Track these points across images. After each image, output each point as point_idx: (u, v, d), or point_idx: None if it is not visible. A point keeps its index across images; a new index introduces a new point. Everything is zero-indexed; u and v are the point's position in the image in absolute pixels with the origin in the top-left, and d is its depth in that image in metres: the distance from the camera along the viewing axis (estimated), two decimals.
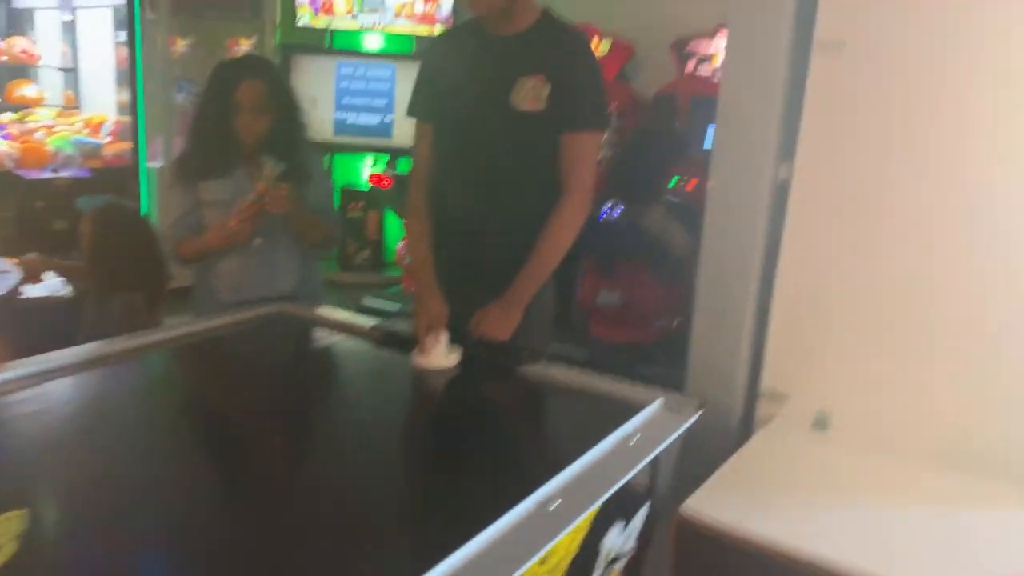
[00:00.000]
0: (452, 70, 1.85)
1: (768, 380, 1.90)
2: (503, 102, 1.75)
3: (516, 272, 1.79)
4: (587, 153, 1.80)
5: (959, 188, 1.61)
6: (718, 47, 4.20)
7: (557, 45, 1.77)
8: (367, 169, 5.39)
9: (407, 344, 1.71)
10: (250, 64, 2.21)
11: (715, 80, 4.20)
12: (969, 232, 1.61)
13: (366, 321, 1.90)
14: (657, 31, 4.48)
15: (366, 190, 5.23)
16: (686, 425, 1.39)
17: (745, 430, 1.92)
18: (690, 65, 4.35)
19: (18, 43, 4.43)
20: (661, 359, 3.35)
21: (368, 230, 5.24)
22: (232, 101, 2.04)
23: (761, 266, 1.91)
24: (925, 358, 1.69)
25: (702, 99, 4.19)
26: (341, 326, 1.91)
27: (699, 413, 1.44)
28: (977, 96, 1.57)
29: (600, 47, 4.55)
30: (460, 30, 1.93)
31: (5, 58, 4.34)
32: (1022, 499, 1.54)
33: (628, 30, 4.58)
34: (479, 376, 1.69)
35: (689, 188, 3.61)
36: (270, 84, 2.09)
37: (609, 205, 3.45)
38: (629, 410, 1.41)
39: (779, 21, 1.79)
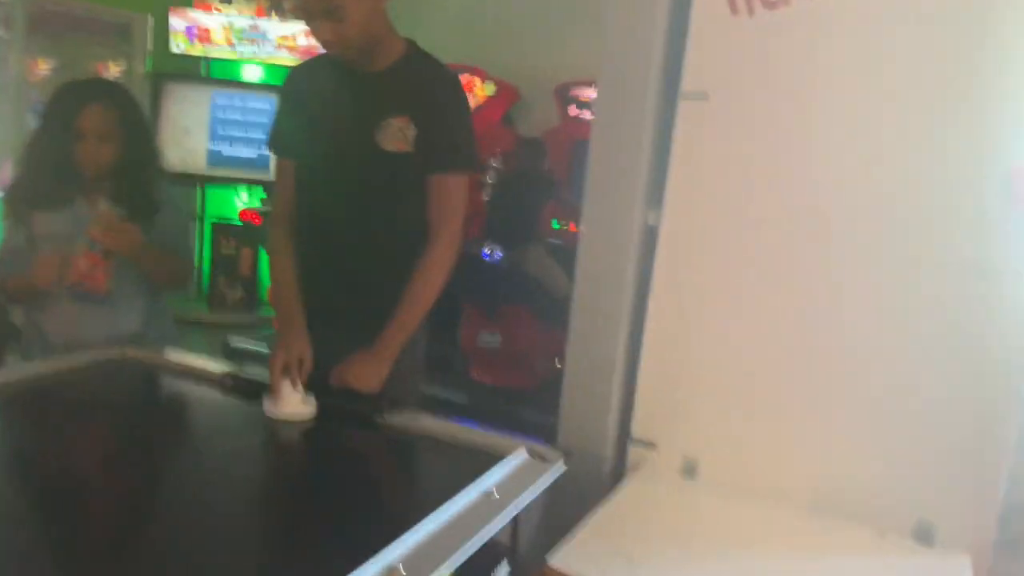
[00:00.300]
0: (312, 104, 1.76)
1: (637, 427, 1.88)
2: (367, 141, 1.68)
3: (383, 317, 1.70)
4: (454, 195, 1.75)
5: (821, 235, 1.66)
6: None
7: (423, 84, 1.71)
8: (240, 204, 5.19)
9: (263, 393, 1.59)
10: (96, 87, 2.03)
11: None
12: (834, 279, 1.65)
13: (218, 367, 1.76)
14: (541, 76, 4.56)
15: (239, 226, 5.02)
16: (550, 477, 1.34)
17: (616, 479, 1.89)
18: (572, 110, 4.43)
19: None
20: (543, 404, 3.33)
21: (240, 267, 5.02)
22: (74, 126, 1.87)
23: (631, 312, 1.90)
24: (790, 405, 1.71)
25: (584, 143, 4.28)
26: (190, 372, 1.76)
27: (564, 465, 1.39)
28: (833, 144, 1.63)
29: (485, 89, 4.58)
30: (320, 61, 1.80)
31: None
32: (882, 542, 1.56)
33: (513, 74, 4.64)
34: (333, 427, 1.58)
35: (572, 229, 3.64)
36: (118, 109, 1.94)
37: (488, 248, 3.43)
38: (491, 461, 1.34)
39: (647, 72, 1.81)
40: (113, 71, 4.99)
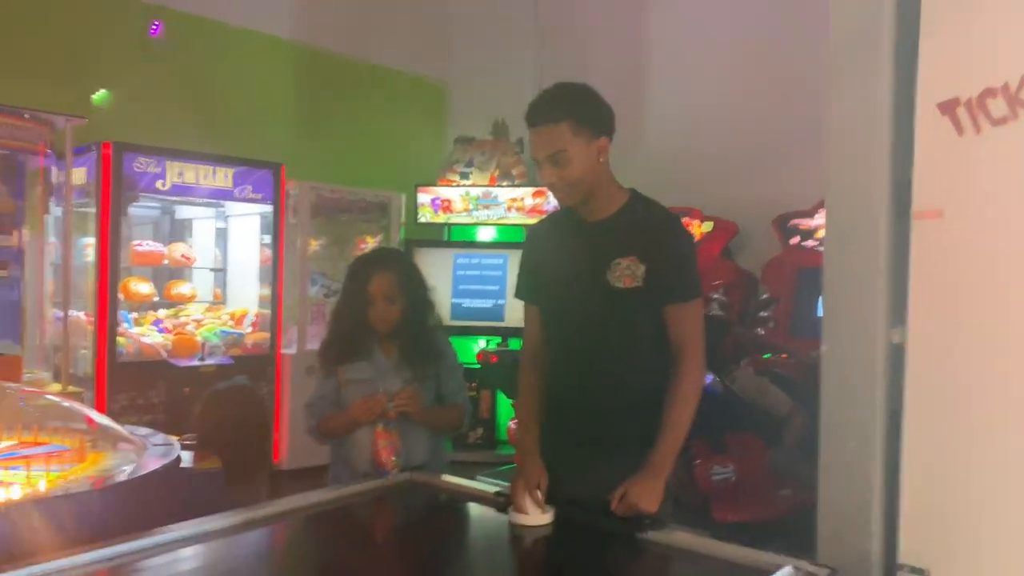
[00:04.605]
0: (550, 254, 1.99)
1: (906, 553, 1.80)
2: (600, 281, 1.86)
3: (627, 442, 1.84)
4: (694, 320, 1.89)
5: None
6: (820, 222, 4.32)
7: (647, 226, 1.89)
8: (477, 349, 5.63)
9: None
10: (380, 257, 2.44)
11: (819, 251, 4.28)
12: None
13: (490, 487, 1.97)
14: (758, 209, 4.66)
15: (478, 369, 5.43)
16: None
17: None
18: (794, 239, 4.46)
19: (178, 248, 5.04)
20: (792, 535, 3.18)
21: (480, 409, 5.38)
22: (366, 293, 2.26)
23: (885, 434, 1.88)
24: None
25: (807, 270, 4.26)
26: (466, 492, 2.00)
27: None
28: None
29: (703, 227, 4.76)
30: (557, 216, 2.06)
31: (166, 261, 4.93)
32: None
33: (730, 210, 4.79)
34: (608, 542, 1.70)
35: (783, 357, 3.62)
36: (399, 274, 2.29)
37: None
38: None
39: (876, 192, 1.88)
40: (370, 243, 5.79)
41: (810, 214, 4.41)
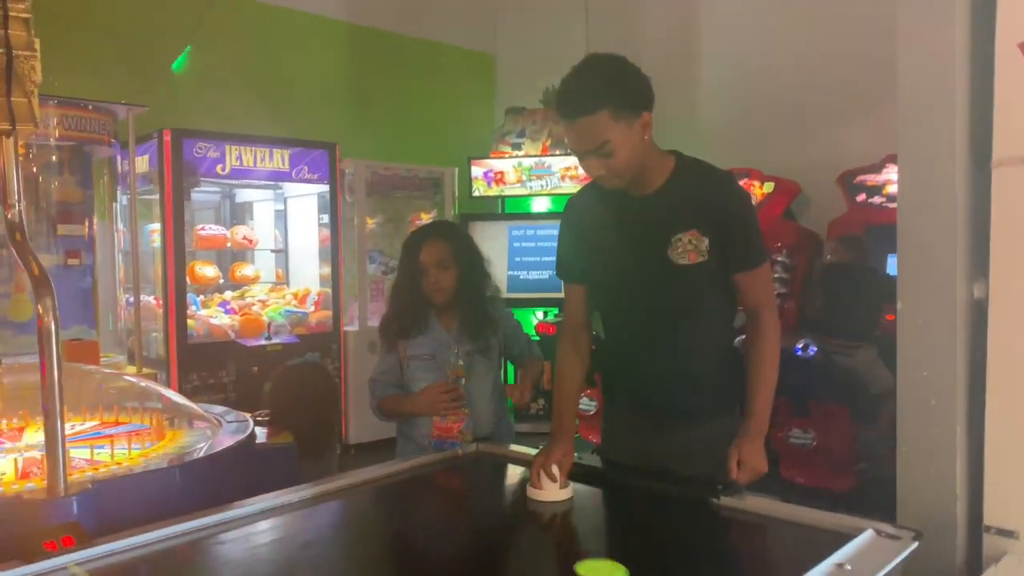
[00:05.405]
0: (594, 231, 1.86)
1: (991, 514, 1.74)
2: (661, 259, 1.76)
3: (695, 414, 1.83)
4: (765, 283, 1.86)
5: None
6: (888, 177, 4.16)
7: (702, 194, 1.77)
8: (536, 320, 5.62)
9: (600, 478, 1.78)
10: (430, 227, 2.44)
11: (887, 208, 4.12)
12: None
13: None
14: (821, 167, 4.52)
15: (536, 341, 5.42)
16: (904, 554, 1.32)
17: (971, 570, 1.75)
18: (860, 196, 4.31)
19: (240, 231, 5.14)
20: (863, 508, 3.13)
21: (541, 380, 5.38)
22: (418, 263, 2.26)
23: (967, 390, 1.81)
24: None
25: (876, 228, 4.12)
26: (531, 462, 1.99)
27: (916, 544, 1.36)
28: None
29: (764, 188, 4.63)
30: (595, 189, 1.87)
31: (230, 244, 5.04)
32: None
33: (791, 170, 4.65)
34: (685, 506, 1.68)
35: (889, 317, 3.50)
36: (449, 242, 2.28)
37: (802, 344, 3.34)
38: (836, 540, 1.35)
39: (953, 140, 1.79)
40: (425, 219, 5.82)
41: (877, 169, 4.26)
